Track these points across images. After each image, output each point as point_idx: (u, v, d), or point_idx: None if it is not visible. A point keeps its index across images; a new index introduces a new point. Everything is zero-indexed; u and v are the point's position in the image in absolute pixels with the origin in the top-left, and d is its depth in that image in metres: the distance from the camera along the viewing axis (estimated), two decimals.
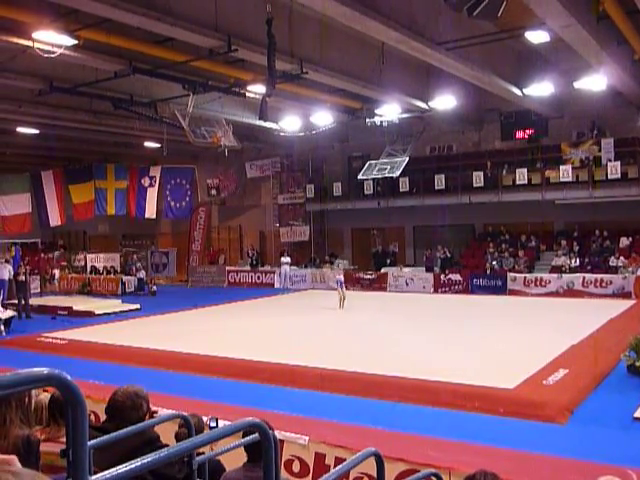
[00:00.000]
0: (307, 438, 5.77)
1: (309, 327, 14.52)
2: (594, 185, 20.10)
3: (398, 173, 22.26)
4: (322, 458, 5.61)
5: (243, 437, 3.13)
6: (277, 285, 23.82)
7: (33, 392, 2.90)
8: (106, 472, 1.53)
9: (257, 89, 15.79)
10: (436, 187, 22.49)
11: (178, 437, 3.93)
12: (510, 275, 20.10)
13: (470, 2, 8.11)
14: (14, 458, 1.26)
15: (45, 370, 1.30)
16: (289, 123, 21.25)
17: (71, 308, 17.86)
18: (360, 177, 23.31)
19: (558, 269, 20.00)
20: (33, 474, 1.21)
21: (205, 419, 4.38)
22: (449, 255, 22.82)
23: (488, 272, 20.91)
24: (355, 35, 13.98)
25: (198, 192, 27.41)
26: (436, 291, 20.93)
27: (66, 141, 24.53)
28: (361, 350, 11.15)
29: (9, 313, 15.43)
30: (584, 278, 18.94)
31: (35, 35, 11.59)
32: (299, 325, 14.81)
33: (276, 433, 2.70)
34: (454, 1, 8.42)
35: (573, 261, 20.16)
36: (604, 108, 20.11)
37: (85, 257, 26.96)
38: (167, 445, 3.01)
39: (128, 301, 19.76)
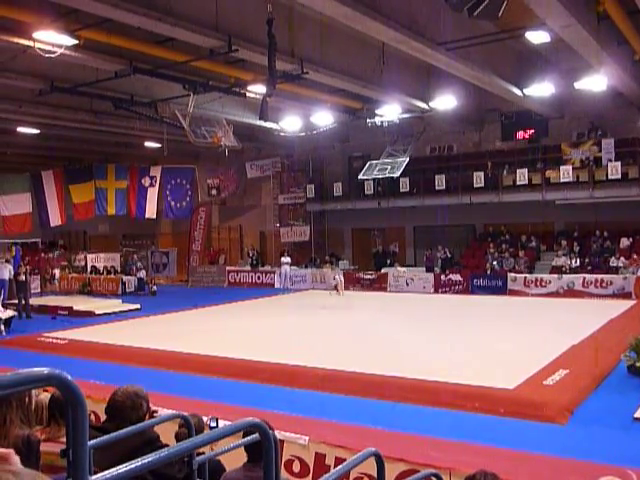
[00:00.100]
0: (307, 438, 5.77)
1: (309, 327, 14.52)
2: (594, 185, 20.09)
3: (398, 173, 22.28)
4: (322, 458, 5.61)
5: (243, 437, 3.13)
6: (277, 285, 23.82)
7: (33, 392, 2.90)
8: (106, 472, 1.53)
9: (257, 89, 15.80)
10: (436, 187, 22.48)
11: (178, 437, 3.93)
12: (510, 275, 20.10)
13: (470, 2, 8.10)
14: (11, 452, 1.26)
15: (45, 370, 1.30)
16: (289, 123, 21.25)
17: (71, 308, 17.86)
18: (360, 177, 23.32)
19: (558, 269, 20.01)
20: (34, 474, 1.21)
21: (205, 419, 4.38)
22: (449, 255, 22.83)
23: (488, 272, 20.91)
24: (355, 35, 13.98)
25: (198, 192, 27.39)
26: (436, 291, 20.93)
27: (66, 141, 24.56)
28: (361, 350, 11.15)
29: (9, 313, 15.43)
30: (584, 278, 18.94)
31: (36, 35, 11.59)
32: (299, 325, 14.81)
33: (276, 433, 2.70)
34: (454, 1, 8.40)
35: (573, 261, 20.16)
36: (604, 108, 20.11)
37: (85, 257, 26.94)
38: (167, 445, 3.01)
39: (128, 301, 19.76)
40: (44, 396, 3.23)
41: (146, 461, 1.68)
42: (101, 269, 25.73)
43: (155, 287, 23.74)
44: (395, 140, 23.24)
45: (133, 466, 1.61)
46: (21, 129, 21.25)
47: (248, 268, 25.84)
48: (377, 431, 6.32)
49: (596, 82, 16.05)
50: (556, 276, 19.44)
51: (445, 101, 18.40)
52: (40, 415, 3.11)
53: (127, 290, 23.46)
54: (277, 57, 11.98)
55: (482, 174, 21.90)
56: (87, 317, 16.94)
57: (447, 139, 24.25)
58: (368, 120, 20.57)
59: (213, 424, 3.80)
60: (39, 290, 23.25)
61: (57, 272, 25.59)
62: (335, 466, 5.21)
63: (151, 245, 30.06)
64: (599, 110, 20.22)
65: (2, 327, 14.53)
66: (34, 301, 19.03)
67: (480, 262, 22.00)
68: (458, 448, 5.76)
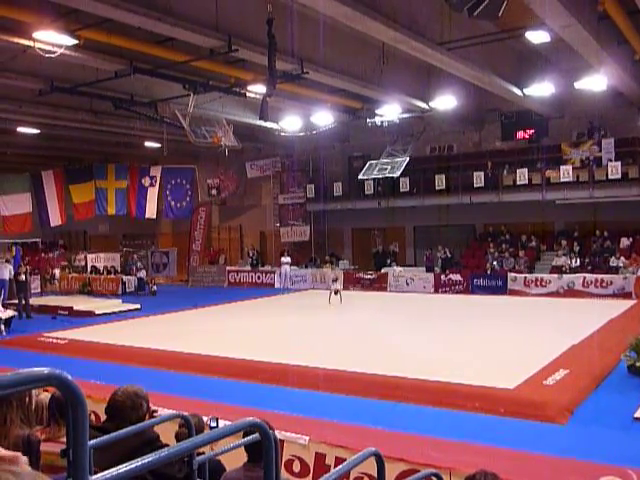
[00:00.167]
0: (307, 438, 5.77)
1: (309, 327, 14.52)
2: (594, 185, 20.09)
3: (399, 173, 22.29)
4: (322, 458, 5.61)
5: (243, 437, 3.12)
6: (277, 285, 23.82)
7: (33, 392, 2.90)
8: (106, 472, 1.53)
9: (257, 89, 15.80)
10: (437, 187, 22.49)
11: (178, 437, 3.93)
12: (510, 275, 20.10)
13: (470, 2, 8.11)
14: (19, 455, 1.26)
15: (46, 370, 1.30)
16: (289, 123, 21.26)
17: (71, 308, 17.87)
18: (361, 177, 23.33)
19: (558, 269, 20.01)
20: (34, 474, 1.21)
21: (205, 419, 4.38)
22: (449, 255, 22.83)
23: (488, 272, 20.91)
24: (356, 35, 13.99)
25: (198, 192, 27.40)
26: (436, 291, 20.92)
27: (66, 141, 24.56)
28: (361, 350, 11.15)
29: (9, 313, 15.43)
30: (584, 278, 18.94)
31: (36, 35, 11.60)
32: (299, 325, 14.81)
33: (276, 433, 2.70)
34: (454, 1, 8.41)
35: (573, 261, 20.16)
36: (604, 108, 20.11)
37: (85, 257, 26.96)
38: (167, 445, 3.01)
39: (128, 301, 19.76)
40: (44, 396, 3.22)
41: (146, 461, 1.68)
42: (101, 269, 25.73)
43: (155, 287, 23.74)
44: (395, 140, 23.24)
45: (133, 466, 1.61)
46: (21, 129, 21.25)
47: (248, 268, 25.84)
48: (377, 431, 6.32)
49: (596, 82, 16.07)
50: (556, 276, 19.44)
51: (445, 101, 18.41)
52: (40, 415, 3.11)
53: (127, 290, 23.46)
54: (277, 57, 12.01)
55: (482, 174, 21.91)
56: (87, 317, 16.94)
57: (447, 139, 24.25)
58: (368, 120, 20.58)
59: (213, 424, 3.80)
60: (39, 290, 23.25)
61: (57, 272, 25.59)
62: (335, 466, 5.21)
63: (151, 245, 30.05)
64: (599, 110, 20.20)
65: (2, 327, 14.53)
66: (34, 301, 19.03)
67: (480, 262, 22.00)
68: (458, 448, 5.75)
